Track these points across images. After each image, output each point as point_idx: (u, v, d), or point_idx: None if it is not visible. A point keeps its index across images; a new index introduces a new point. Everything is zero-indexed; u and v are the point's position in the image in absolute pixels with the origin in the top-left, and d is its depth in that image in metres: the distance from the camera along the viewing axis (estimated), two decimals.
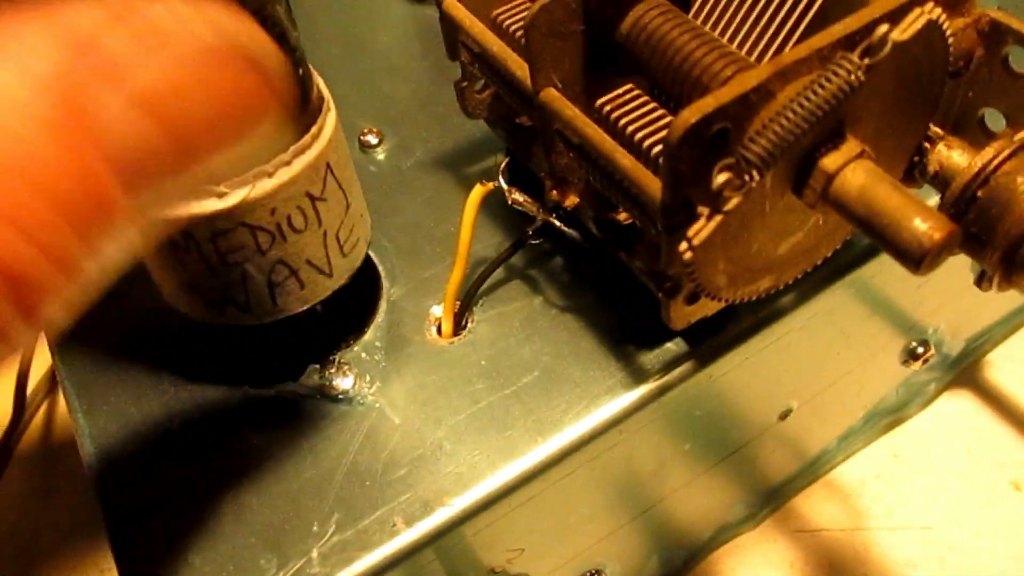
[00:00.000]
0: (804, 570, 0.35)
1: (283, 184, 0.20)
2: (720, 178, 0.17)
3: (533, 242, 0.26)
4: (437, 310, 0.26)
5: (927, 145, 0.21)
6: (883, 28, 0.17)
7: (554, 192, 0.24)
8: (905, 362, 0.34)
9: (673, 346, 0.24)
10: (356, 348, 0.25)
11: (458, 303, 0.26)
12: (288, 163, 0.20)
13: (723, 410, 0.27)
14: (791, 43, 0.20)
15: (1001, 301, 0.36)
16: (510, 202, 0.25)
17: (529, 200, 0.24)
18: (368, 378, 0.25)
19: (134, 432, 0.24)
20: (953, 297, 0.34)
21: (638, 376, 0.24)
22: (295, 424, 0.24)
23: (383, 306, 0.27)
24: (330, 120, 0.22)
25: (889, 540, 0.35)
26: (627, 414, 0.24)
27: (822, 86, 0.17)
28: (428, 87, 0.33)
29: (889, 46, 0.17)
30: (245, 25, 0.14)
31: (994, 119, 0.22)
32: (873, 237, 0.18)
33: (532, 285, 0.27)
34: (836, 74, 0.17)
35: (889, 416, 0.37)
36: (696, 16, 0.22)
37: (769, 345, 0.26)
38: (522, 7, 0.24)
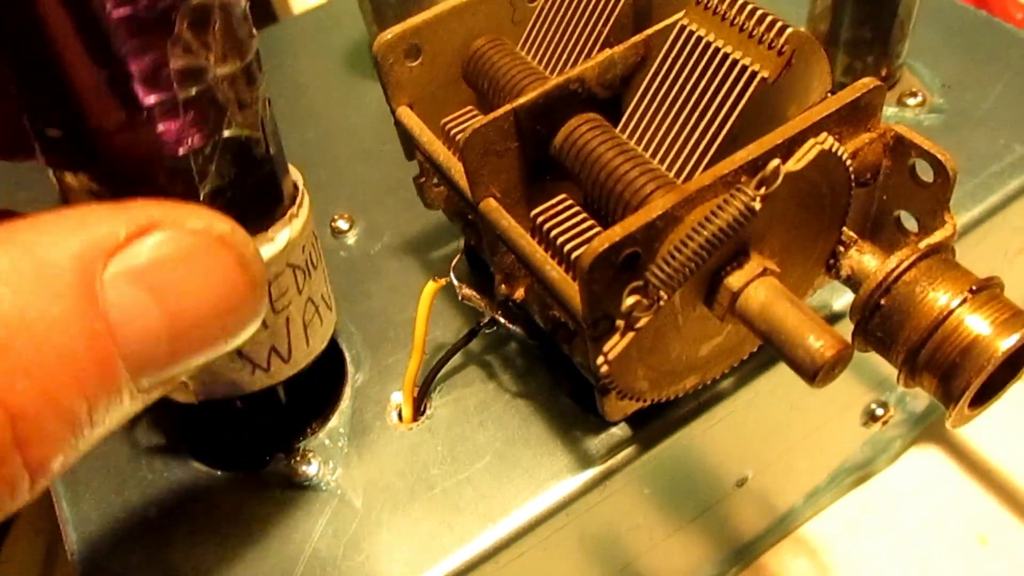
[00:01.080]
0: None
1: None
2: (629, 300, 0.19)
3: (488, 330, 0.28)
4: (397, 396, 0.28)
5: (841, 249, 0.22)
6: (775, 163, 0.18)
7: (503, 286, 0.26)
8: (866, 424, 0.36)
9: (618, 431, 0.26)
10: (321, 435, 0.27)
11: (417, 389, 0.27)
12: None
13: (674, 485, 0.28)
14: (707, 158, 0.21)
15: None
16: (460, 298, 0.26)
17: (477, 296, 0.26)
18: (331, 464, 0.26)
19: (115, 520, 0.26)
20: None
21: (584, 461, 0.25)
22: (263, 510, 0.26)
23: (348, 392, 0.28)
24: (302, 214, 0.24)
25: None
26: (573, 498, 0.25)
27: (719, 215, 0.19)
28: (398, 171, 0.34)
29: (781, 178, 0.18)
30: (239, 231, 0.16)
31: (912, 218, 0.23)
32: (774, 351, 0.19)
33: (488, 371, 0.28)
34: (732, 204, 0.19)
35: (856, 472, 0.38)
36: (623, 130, 0.23)
37: (713, 425, 0.27)
38: (469, 115, 0.26)
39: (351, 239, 0.33)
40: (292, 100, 0.39)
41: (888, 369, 0.32)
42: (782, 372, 0.27)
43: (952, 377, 0.20)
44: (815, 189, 0.20)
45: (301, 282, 0.23)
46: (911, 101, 0.33)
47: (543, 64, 0.26)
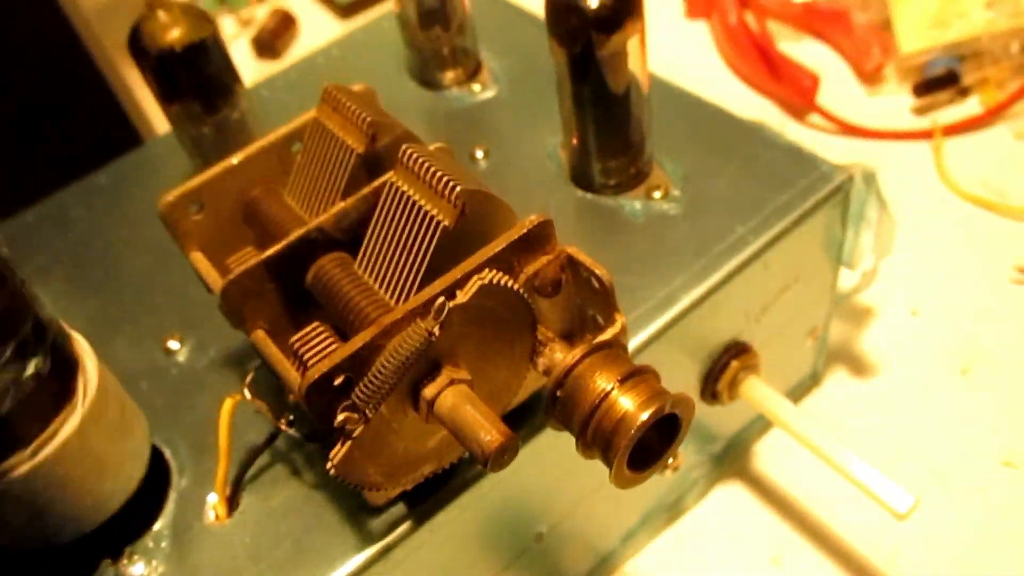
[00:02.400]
0: None
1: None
2: (340, 417, 0.24)
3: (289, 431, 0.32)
4: (213, 497, 0.32)
5: (540, 347, 0.28)
6: (440, 300, 0.24)
7: (291, 395, 0.30)
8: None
9: (398, 509, 0.30)
10: (146, 538, 0.31)
11: (228, 489, 0.32)
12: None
13: (465, 548, 0.33)
14: (415, 288, 0.26)
15: (744, 410, 0.42)
16: (255, 410, 0.31)
17: (266, 408, 0.31)
18: (155, 564, 0.31)
19: None
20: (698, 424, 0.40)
21: (367, 539, 0.30)
22: None
23: (172, 496, 0.32)
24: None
25: None
26: (360, 571, 0.30)
27: (403, 346, 0.24)
28: None
29: (445, 312, 0.24)
30: None
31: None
32: (463, 446, 0.24)
33: (291, 466, 0.33)
34: (413, 336, 0.24)
35: (667, 512, 0.43)
36: (360, 265, 0.28)
37: (486, 493, 0.32)
38: (248, 255, 0.31)
39: (181, 356, 0.37)
40: (132, 230, 0.43)
41: None
42: (547, 437, 0.32)
43: (608, 448, 0.25)
44: (491, 311, 0.25)
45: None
46: (656, 194, 0.39)
47: (304, 205, 0.31)
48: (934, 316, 0.50)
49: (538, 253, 0.27)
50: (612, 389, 0.25)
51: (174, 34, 0.37)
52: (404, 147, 0.27)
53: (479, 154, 0.43)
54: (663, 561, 0.43)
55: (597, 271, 0.26)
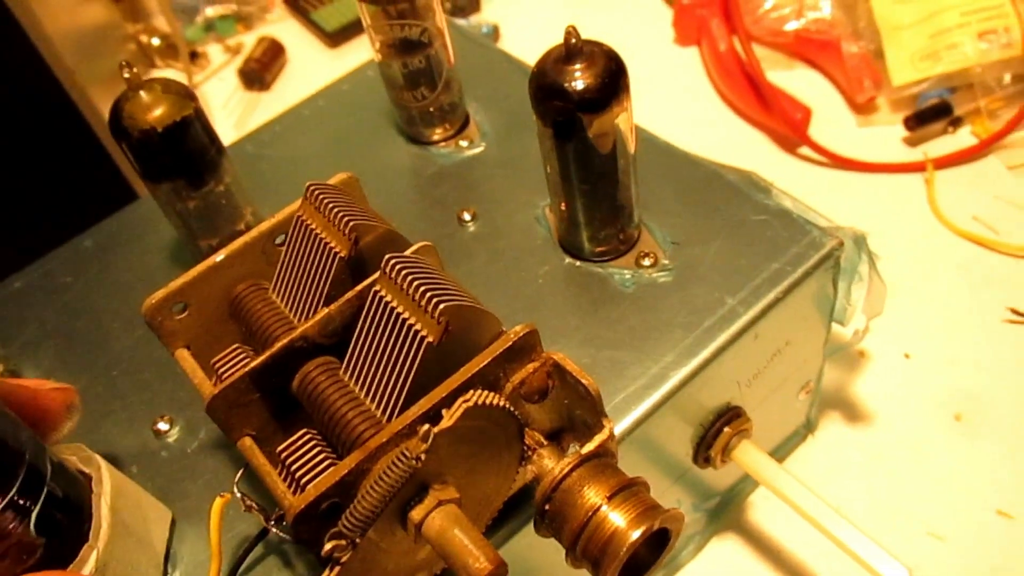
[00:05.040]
0: None
1: None
2: (328, 546, 0.24)
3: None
4: None
5: (528, 452, 0.27)
6: (424, 428, 0.23)
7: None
8: None
9: None
10: None
11: None
12: None
13: None
14: (400, 403, 0.26)
15: (731, 469, 0.42)
16: (243, 509, 0.31)
17: (256, 508, 0.30)
18: None
19: None
20: (685, 484, 0.40)
21: None
22: None
23: None
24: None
25: None
26: None
27: (390, 474, 0.24)
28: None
29: (431, 439, 0.23)
30: None
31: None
32: (451, 569, 0.24)
33: (284, 559, 0.32)
34: (399, 465, 0.24)
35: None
36: (346, 371, 0.28)
37: None
38: (235, 353, 0.31)
39: (171, 438, 0.37)
40: (120, 299, 0.43)
41: (662, 486, 0.38)
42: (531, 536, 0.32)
43: (599, 565, 0.25)
44: (478, 428, 0.25)
45: None
46: (646, 262, 0.38)
47: (289, 304, 0.31)
48: (927, 359, 0.50)
49: (524, 361, 0.27)
50: (602, 505, 0.25)
51: (155, 114, 0.36)
52: (387, 258, 0.27)
53: (467, 216, 0.42)
54: None
55: (584, 381, 0.26)
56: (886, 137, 0.61)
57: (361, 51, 0.79)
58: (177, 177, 0.38)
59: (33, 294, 0.45)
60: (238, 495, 0.31)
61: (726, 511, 0.45)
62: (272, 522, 0.30)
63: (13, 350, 0.42)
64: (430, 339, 0.25)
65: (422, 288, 0.26)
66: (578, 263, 0.39)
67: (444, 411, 0.24)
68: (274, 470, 0.28)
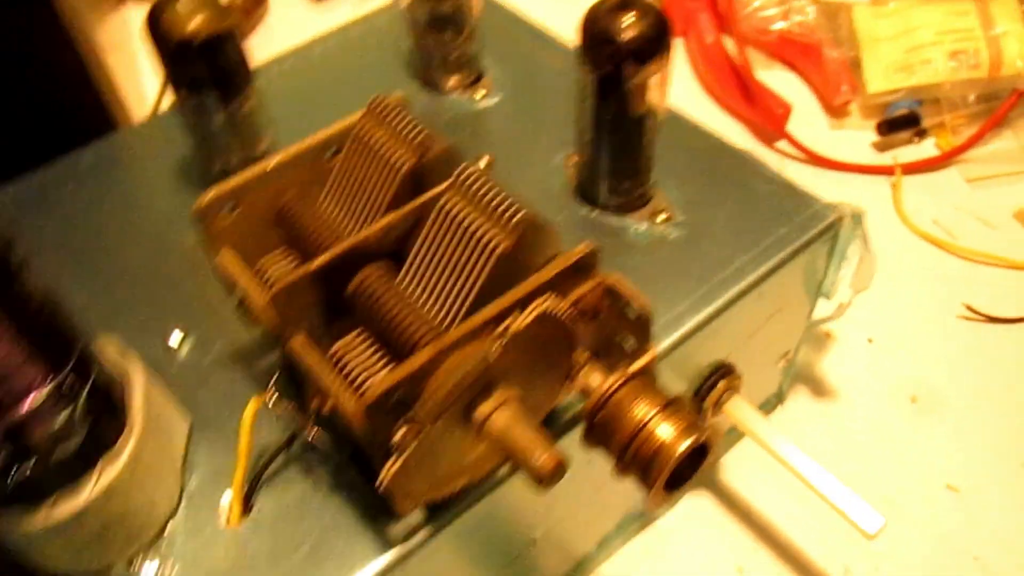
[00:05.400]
0: None
1: None
2: (400, 432, 0.24)
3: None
4: (228, 497, 0.32)
5: (575, 369, 0.29)
6: (504, 326, 0.25)
7: (315, 400, 0.31)
8: None
9: (416, 516, 0.31)
10: (158, 541, 0.31)
11: (244, 490, 0.32)
12: None
13: (470, 554, 0.34)
14: (464, 309, 0.27)
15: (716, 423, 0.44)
16: (276, 413, 0.31)
17: (291, 412, 0.31)
18: (171, 563, 0.30)
19: None
20: None
21: (386, 543, 0.31)
22: None
23: (183, 499, 0.32)
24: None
25: None
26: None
27: (464, 368, 0.25)
28: None
29: (509, 336, 0.24)
30: None
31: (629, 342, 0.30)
32: (514, 463, 0.25)
33: (307, 468, 0.33)
34: (474, 359, 0.25)
35: (639, 520, 0.45)
36: (403, 279, 0.29)
37: (496, 505, 0.33)
38: (280, 257, 0.31)
39: (184, 351, 0.37)
40: (125, 215, 0.42)
41: None
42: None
43: (648, 472, 0.26)
44: (541, 336, 0.26)
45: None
46: (660, 218, 0.40)
47: (345, 214, 0.31)
48: (888, 345, 0.53)
49: (580, 280, 0.28)
50: (651, 418, 0.27)
51: (195, 24, 0.36)
52: (462, 167, 0.27)
53: (482, 164, 0.43)
54: (633, 567, 0.45)
55: (638, 302, 0.28)
56: (855, 141, 0.64)
57: (345, 8, 0.78)
58: (209, 90, 0.38)
59: (28, 204, 0.44)
60: (271, 399, 0.31)
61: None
62: (312, 422, 0.30)
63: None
64: (503, 247, 0.26)
65: (499, 198, 0.27)
66: (594, 213, 0.41)
67: (516, 313, 0.25)
68: (329, 366, 0.28)
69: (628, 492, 0.42)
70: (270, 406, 0.31)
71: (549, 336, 0.27)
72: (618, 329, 0.29)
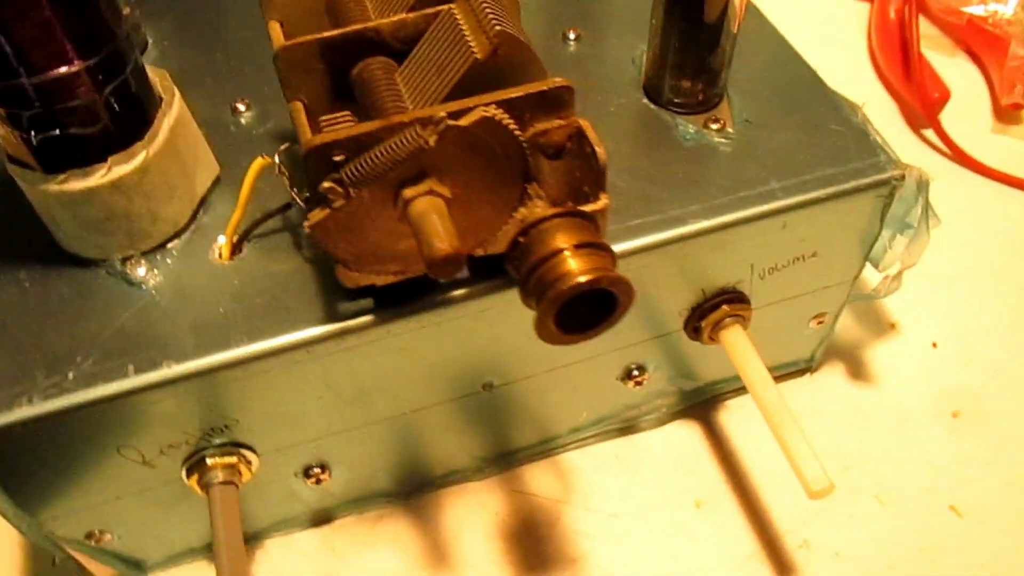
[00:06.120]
0: (506, 520, 0.44)
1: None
2: (325, 184, 0.27)
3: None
4: (222, 239, 0.36)
5: (527, 201, 0.30)
6: (442, 113, 0.26)
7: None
8: (623, 380, 0.43)
9: (367, 302, 0.34)
10: (155, 253, 0.35)
11: (236, 237, 0.35)
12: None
13: (415, 364, 0.36)
14: (438, 101, 0.29)
15: (718, 363, 0.44)
16: (276, 174, 0.34)
17: (287, 177, 0.34)
18: (155, 272, 0.35)
19: None
20: (668, 347, 0.42)
21: (331, 317, 0.33)
22: (96, 294, 0.34)
23: (193, 226, 0.37)
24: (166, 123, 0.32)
25: (581, 515, 0.44)
26: (314, 341, 0.33)
27: (400, 143, 0.26)
28: None
29: (442, 125, 0.26)
30: None
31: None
32: (418, 244, 0.27)
33: (296, 238, 0.36)
34: (409, 137, 0.26)
35: (620, 424, 0.46)
36: (400, 74, 0.31)
37: (445, 322, 0.35)
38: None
39: (244, 119, 0.41)
40: None
41: (644, 335, 0.40)
42: (514, 295, 0.35)
43: (541, 300, 0.27)
44: (487, 145, 0.27)
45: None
46: (713, 126, 0.40)
47: (376, 9, 0.33)
48: (951, 356, 0.50)
49: (552, 116, 0.29)
50: (565, 249, 0.27)
51: None
52: None
53: (571, 36, 0.44)
54: (600, 465, 0.46)
55: (598, 149, 0.28)
56: (1016, 150, 0.59)
57: None
58: None
59: None
60: (276, 162, 0.35)
61: (699, 402, 0.47)
62: (296, 193, 0.33)
63: (140, 12, 0.47)
64: (477, 55, 0.28)
65: (488, 10, 0.28)
66: (653, 107, 0.41)
67: (463, 117, 0.27)
68: (315, 131, 0.31)
69: (608, 387, 0.43)
70: (277, 166, 0.34)
71: (496, 150, 0.28)
72: (583, 179, 0.30)
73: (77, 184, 0.32)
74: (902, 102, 0.62)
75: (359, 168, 0.27)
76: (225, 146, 0.39)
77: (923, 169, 0.39)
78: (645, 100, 0.41)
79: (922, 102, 0.59)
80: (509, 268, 0.29)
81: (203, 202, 0.37)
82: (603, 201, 0.29)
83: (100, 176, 0.32)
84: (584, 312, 0.29)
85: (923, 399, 0.48)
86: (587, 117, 0.39)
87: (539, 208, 0.29)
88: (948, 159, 0.59)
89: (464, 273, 0.34)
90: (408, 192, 0.27)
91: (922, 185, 0.39)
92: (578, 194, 0.31)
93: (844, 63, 0.65)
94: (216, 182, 0.38)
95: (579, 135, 0.29)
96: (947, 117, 0.59)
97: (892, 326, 0.51)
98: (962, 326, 0.51)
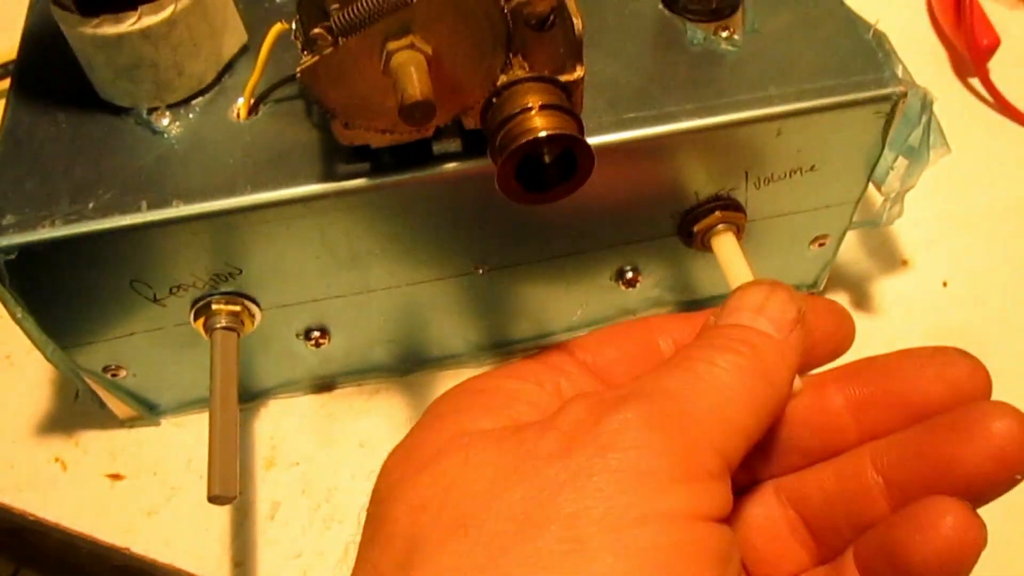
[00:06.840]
0: None
1: None
2: (316, 30, 0.29)
3: None
4: (241, 100, 0.39)
5: (509, 69, 0.31)
6: None
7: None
8: (615, 280, 0.44)
9: (366, 165, 0.36)
10: (180, 107, 0.38)
11: (253, 99, 0.38)
12: None
13: (405, 234, 0.39)
14: None
15: (711, 279, 0.45)
16: (292, 37, 0.37)
17: (299, 43, 0.36)
18: (177, 123, 0.38)
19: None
20: (663, 252, 0.43)
21: (330, 175, 0.36)
22: (122, 136, 0.38)
23: (217, 87, 0.39)
24: None
25: None
26: (309, 198, 0.36)
27: None
28: None
29: None
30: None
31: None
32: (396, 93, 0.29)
33: (308, 103, 0.39)
34: None
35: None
36: None
37: (435, 195, 0.37)
38: None
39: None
40: None
41: (636, 235, 0.41)
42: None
43: (501, 152, 0.29)
44: (469, 8, 0.29)
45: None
46: (723, 33, 0.40)
47: None
48: (960, 296, 0.49)
49: None
50: (532, 108, 0.29)
51: None
52: None
53: None
54: None
55: (576, 20, 0.29)
56: None
57: None
58: None
59: None
60: (293, 26, 0.37)
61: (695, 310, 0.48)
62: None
63: None
64: None
65: None
66: (667, 13, 0.42)
67: None
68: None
69: (600, 288, 0.45)
70: (292, 38, 0.37)
71: (478, 12, 0.29)
72: (565, 53, 0.31)
73: (109, 29, 0.35)
74: (952, 49, 0.61)
75: (345, 15, 0.29)
76: (257, 19, 0.42)
77: (928, 89, 0.39)
78: (661, 6, 0.42)
79: (972, 48, 0.57)
80: (483, 129, 0.31)
81: (229, 66, 0.40)
82: (578, 72, 0.31)
83: (130, 23, 0.35)
84: (554, 179, 0.31)
85: (925, 335, 0.48)
86: (596, 12, 0.41)
87: (518, 74, 0.31)
88: (992, 108, 0.58)
89: (457, 147, 0.36)
90: (391, 44, 0.29)
91: (925, 104, 0.39)
92: (563, 70, 0.32)
93: (901, 6, 0.64)
94: (244, 50, 0.41)
95: (561, 7, 0.30)
96: (997, 66, 0.58)
97: (904, 263, 0.51)
98: (976, 266, 0.50)
